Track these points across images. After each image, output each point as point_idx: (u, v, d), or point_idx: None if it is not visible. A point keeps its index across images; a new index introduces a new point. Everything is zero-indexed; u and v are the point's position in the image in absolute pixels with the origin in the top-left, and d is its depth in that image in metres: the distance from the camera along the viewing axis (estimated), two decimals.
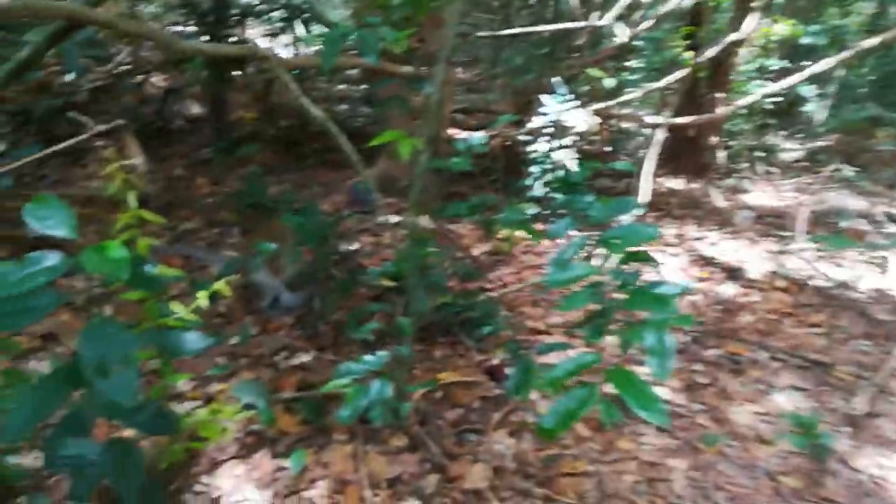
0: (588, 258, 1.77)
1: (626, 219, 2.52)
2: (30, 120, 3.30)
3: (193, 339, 1.54)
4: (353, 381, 1.64)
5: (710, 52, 3.46)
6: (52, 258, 1.27)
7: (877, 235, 4.90)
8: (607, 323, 1.81)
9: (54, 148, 1.58)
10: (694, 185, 6.24)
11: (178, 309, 1.67)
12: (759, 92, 3.32)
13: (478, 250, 3.63)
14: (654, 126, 3.75)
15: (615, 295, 1.67)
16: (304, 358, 2.50)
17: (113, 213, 3.15)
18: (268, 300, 2.75)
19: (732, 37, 3.54)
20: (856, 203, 5.89)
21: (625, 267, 1.68)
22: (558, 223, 1.76)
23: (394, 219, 3.90)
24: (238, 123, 4.60)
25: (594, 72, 3.30)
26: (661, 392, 2.62)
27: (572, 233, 1.94)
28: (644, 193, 3.23)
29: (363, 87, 6.75)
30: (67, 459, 1.29)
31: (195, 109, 4.60)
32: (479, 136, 2.33)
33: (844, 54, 3.08)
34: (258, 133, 4.35)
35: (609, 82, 3.44)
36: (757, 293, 3.63)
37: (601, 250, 1.71)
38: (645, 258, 1.64)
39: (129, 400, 1.24)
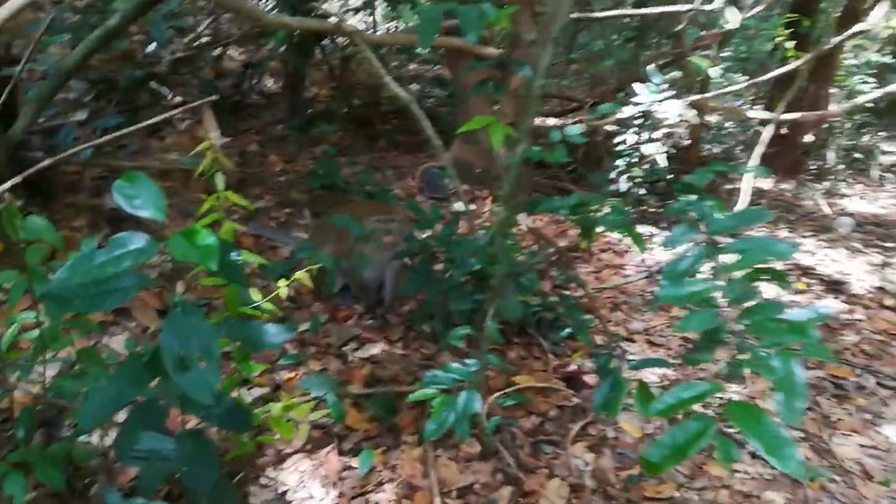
0: (693, 270, 1.57)
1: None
2: (112, 89, 3.31)
3: (273, 332, 1.44)
4: (439, 391, 1.51)
5: (830, 44, 3.13)
6: (137, 240, 1.17)
7: None
8: (717, 347, 1.61)
9: (141, 124, 1.49)
10: (784, 186, 5.84)
11: (257, 297, 1.58)
12: (882, 90, 2.98)
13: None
14: (762, 122, 3.44)
15: (728, 313, 1.48)
16: (374, 350, 2.39)
17: (189, 187, 3.13)
18: (338, 286, 2.66)
19: (858, 27, 3.19)
20: None
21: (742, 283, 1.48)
22: (675, 231, 1.56)
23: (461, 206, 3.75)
24: (313, 100, 4.53)
25: (698, 60, 3.02)
26: None
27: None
28: (744, 198, 2.97)
29: (436, 67, 6.60)
30: (141, 452, 1.21)
31: (270, 84, 4.56)
32: (576, 127, 2.15)
33: None
34: (331, 111, 4.27)
35: (715, 72, 3.16)
36: (861, 310, 3.31)
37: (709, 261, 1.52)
38: (776, 277, 1.43)
39: (207, 398, 1.14)
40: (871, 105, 6.61)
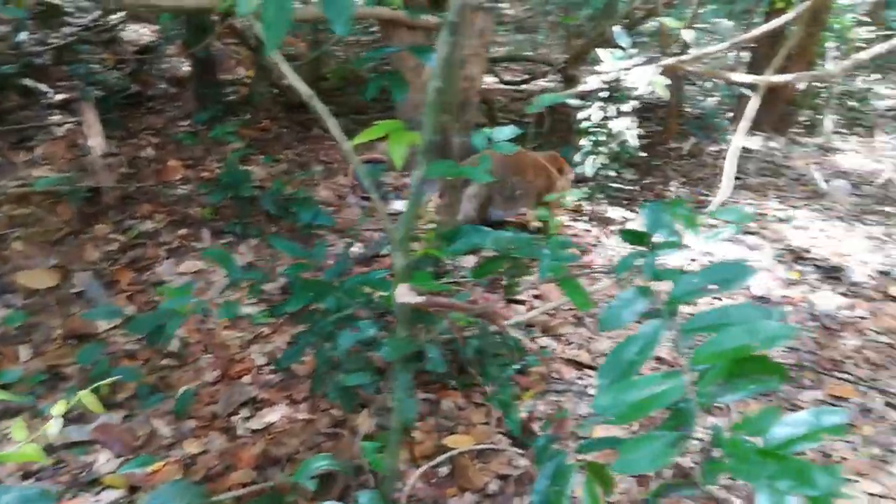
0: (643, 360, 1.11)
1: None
2: None
3: None
4: None
5: None
6: None
7: None
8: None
9: None
10: (773, 144, 5.34)
11: (21, 434, 1.11)
12: (889, 45, 2.46)
13: None
14: (747, 86, 2.93)
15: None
16: (271, 416, 1.93)
17: (56, 212, 2.61)
18: None
19: None
20: None
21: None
22: (616, 301, 1.10)
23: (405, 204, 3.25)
24: (232, 84, 3.94)
25: (671, 22, 2.50)
26: None
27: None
28: (727, 182, 2.48)
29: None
30: None
31: (186, 68, 3.95)
32: (506, 130, 1.65)
33: None
34: (257, 94, 3.69)
35: (688, 35, 2.64)
36: (864, 303, 2.87)
37: None
38: (765, 371, 0.97)
39: None
40: (863, 45, 6.08)
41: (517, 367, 2.21)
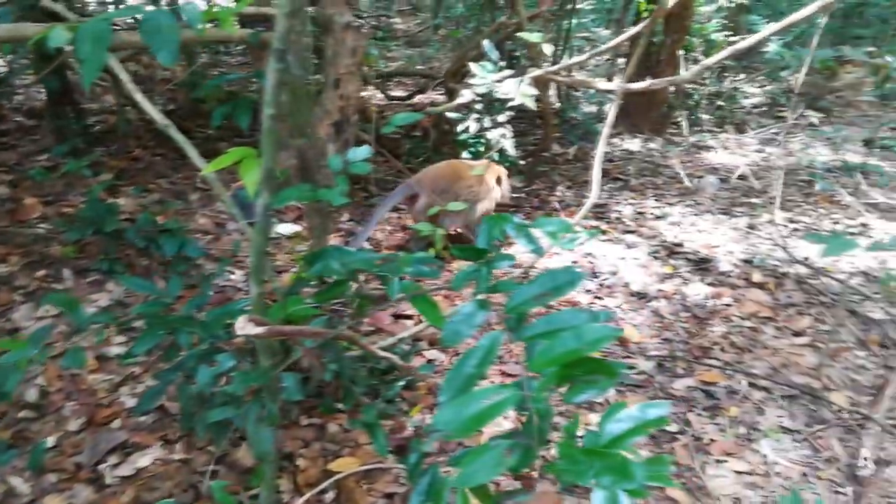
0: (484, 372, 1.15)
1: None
2: None
3: None
4: None
5: None
6: None
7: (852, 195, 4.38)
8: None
9: None
10: (652, 146, 5.66)
11: None
12: (730, 49, 2.68)
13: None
14: (608, 92, 3.08)
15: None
16: (143, 461, 1.84)
17: None
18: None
19: None
20: (824, 155, 5.39)
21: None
22: (458, 314, 1.13)
23: (289, 228, 3.21)
24: (100, 112, 3.74)
25: (530, 35, 2.60)
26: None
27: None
28: (596, 186, 2.61)
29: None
30: None
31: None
32: (362, 150, 1.66)
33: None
34: (124, 122, 3.51)
35: (547, 49, 2.75)
36: (729, 291, 3.08)
37: None
38: (595, 370, 1.02)
39: None
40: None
41: (402, 382, 2.22)
